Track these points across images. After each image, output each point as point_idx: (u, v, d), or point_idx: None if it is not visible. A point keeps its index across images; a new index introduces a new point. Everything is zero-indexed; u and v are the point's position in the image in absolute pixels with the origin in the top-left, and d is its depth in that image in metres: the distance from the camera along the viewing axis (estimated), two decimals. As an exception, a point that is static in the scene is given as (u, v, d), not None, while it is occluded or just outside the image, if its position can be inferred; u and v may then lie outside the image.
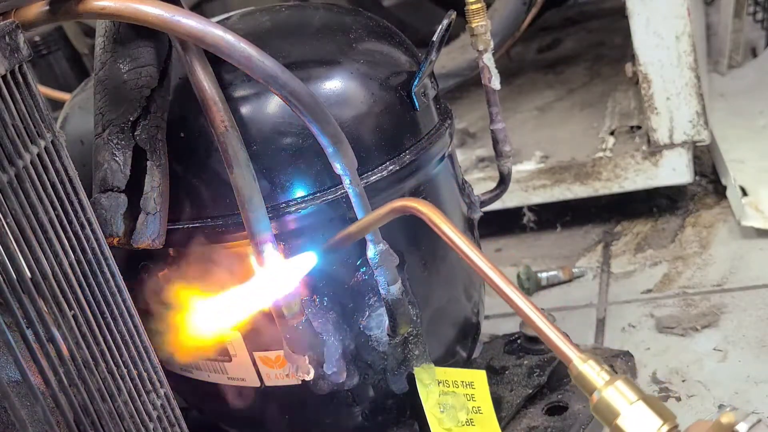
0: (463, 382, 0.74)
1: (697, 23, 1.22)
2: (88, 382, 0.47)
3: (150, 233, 0.62)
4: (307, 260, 0.64)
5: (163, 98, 0.63)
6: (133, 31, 0.63)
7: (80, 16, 0.56)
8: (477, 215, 0.82)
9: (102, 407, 0.48)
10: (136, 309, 0.55)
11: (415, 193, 0.71)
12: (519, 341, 0.88)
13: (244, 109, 0.64)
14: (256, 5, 0.76)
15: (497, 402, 0.78)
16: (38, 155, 0.47)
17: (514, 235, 1.32)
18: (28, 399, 0.44)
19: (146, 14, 0.55)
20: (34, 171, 0.46)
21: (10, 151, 0.44)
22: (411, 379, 0.71)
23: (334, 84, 0.67)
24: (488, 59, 0.79)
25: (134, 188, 0.61)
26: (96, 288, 0.50)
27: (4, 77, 0.45)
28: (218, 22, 0.63)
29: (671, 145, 1.14)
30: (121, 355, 0.51)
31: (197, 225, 0.66)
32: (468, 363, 0.82)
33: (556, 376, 0.83)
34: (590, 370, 0.48)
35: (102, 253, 0.52)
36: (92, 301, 0.49)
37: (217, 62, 0.59)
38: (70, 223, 0.49)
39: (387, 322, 0.68)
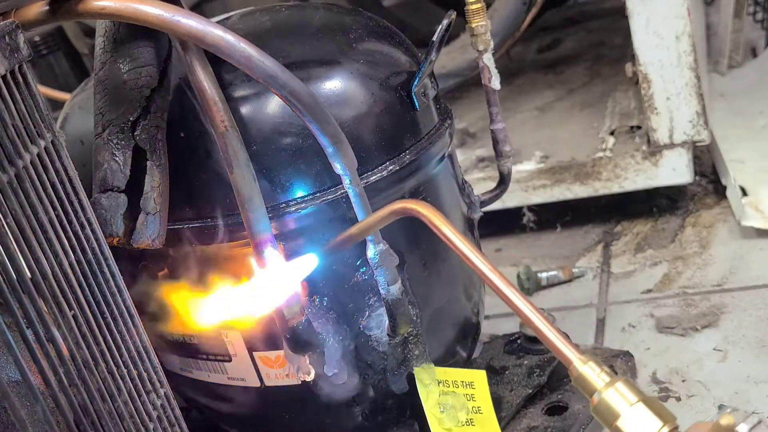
0: (463, 382, 0.74)
1: (697, 23, 1.22)
2: (88, 382, 0.47)
3: (150, 233, 0.62)
4: (308, 262, 0.64)
5: (163, 98, 0.63)
6: (133, 31, 0.63)
7: (80, 16, 0.56)
8: (477, 215, 0.82)
9: (102, 407, 0.48)
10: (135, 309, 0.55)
11: (415, 193, 0.71)
12: (519, 341, 0.88)
13: (244, 109, 0.64)
14: (256, 5, 0.76)
15: (497, 402, 0.78)
16: (38, 155, 0.47)
17: (514, 235, 1.31)
18: (28, 399, 0.44)
19: (146, 14, 0.55)
20: (34, 171, 0.46)
21: (10, 151, 0.44)
22: (411, 379, 0.71)
23: (334, 84, 0.67)
24: (488, 59, 0.79)
25: (134, 188, 0.61)
26: (96, 288, 0.50)
27: (4, 77, 0.45)
28: (218, 22, 0.63)
29: (671, 145, 1.14)
30: (121, 355, 0.51)
31: (197, 225, 0.66)
32: (468, 363, 0.82)
33: (556, 376, 0.83)
34: (590, 372, 0.48)
35: (102, 253, 0.52)
36: (92, 301, 0.49)
37: (217, 62, 0.59)
38: (70, 223, 0.49)
39: (387, 322, 0.68)
